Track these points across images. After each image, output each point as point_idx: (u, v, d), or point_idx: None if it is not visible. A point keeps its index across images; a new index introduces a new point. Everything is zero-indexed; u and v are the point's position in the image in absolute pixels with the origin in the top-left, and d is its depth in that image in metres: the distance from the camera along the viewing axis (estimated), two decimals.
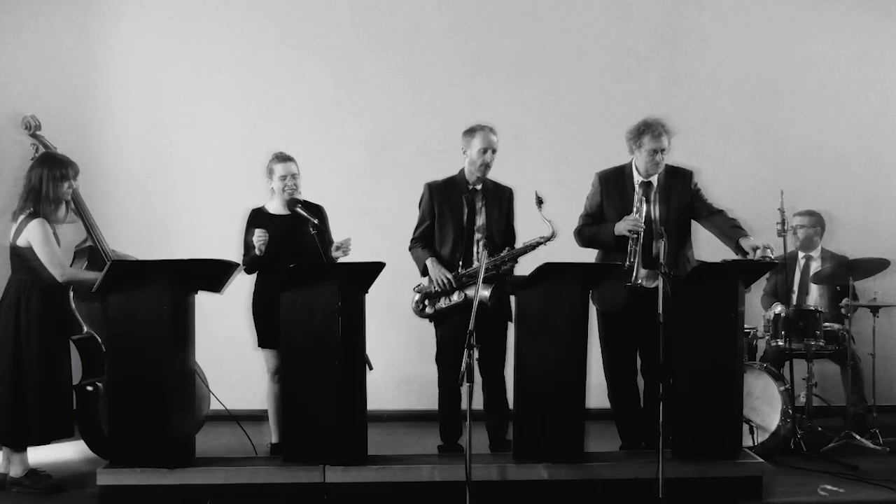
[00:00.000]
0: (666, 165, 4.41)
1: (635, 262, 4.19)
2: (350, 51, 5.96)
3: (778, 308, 5.05)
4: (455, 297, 4.35)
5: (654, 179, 4.37)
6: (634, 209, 4.29)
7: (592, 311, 4.26)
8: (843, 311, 5.03)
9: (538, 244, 4.32)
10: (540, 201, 4.21)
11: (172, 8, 5.94)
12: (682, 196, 4.41)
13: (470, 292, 4.26)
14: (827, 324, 5.01)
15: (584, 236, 4.49)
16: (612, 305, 4.35)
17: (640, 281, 4.20)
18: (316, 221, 4.30)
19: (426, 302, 4.44)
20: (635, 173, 4.39)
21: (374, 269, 3.97)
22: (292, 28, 5.96)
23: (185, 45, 5.93)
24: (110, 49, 5.92)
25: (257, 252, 4.33)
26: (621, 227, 4.26)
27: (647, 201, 4.32)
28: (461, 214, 4.43)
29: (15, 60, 5.83)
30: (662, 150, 4.31)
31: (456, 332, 4.24)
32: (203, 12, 5.95)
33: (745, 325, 4.49)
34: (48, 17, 5.87)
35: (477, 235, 4.41)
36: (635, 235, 4.21)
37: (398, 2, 5.99)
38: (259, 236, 4.31)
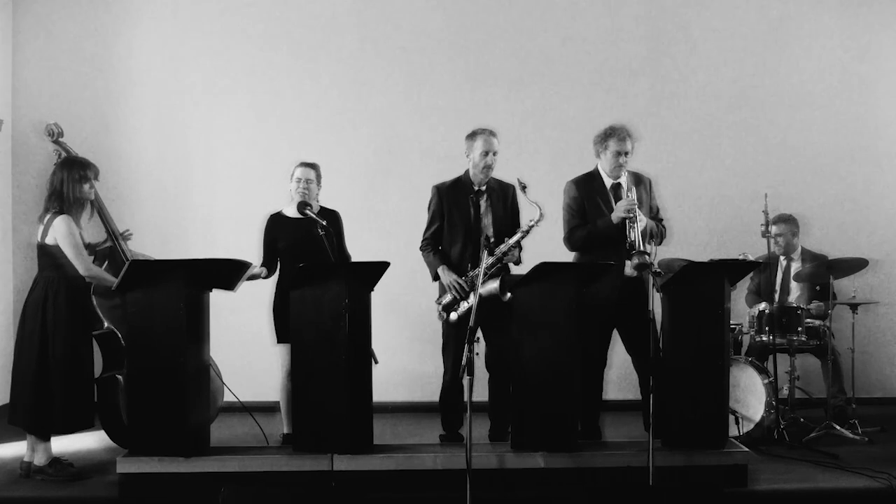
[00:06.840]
0: (628, 171, 4.58)
1: (635, 240, 4.29)
2: (357, 60, 6.11)
3: (762, 305, 5.17)
4: (472, 299, 4.34)
5: (623, 181, 4.54)
6: (625, 195, 4.43)
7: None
8: (812, 310, 5.19)
9: (530, 228, 4.42)
10: (524, 187, 4.36)
11: (188, 18, 6.08)
12: (647, 199, 4.59)
13: (482, 291, 4.26)
14: (808, 320, 5.14)
15: (579, 237, 4.54)
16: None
17: (645, 253, 4.29)
18: (324, 223, 4.43)
19: (448, 312, 4.52)
20: (604, 175, 4.57)
21: (380, 268, 4.08)
22: (302, 38, 6.10)
23: (200, 54, 6.08)
24: (127, 58, 6.07)
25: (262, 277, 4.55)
26: (618, 212, 4.37)
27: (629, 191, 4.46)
28: (468, 215, 4.54)
29: (35, 69, 5.96)
30: (626, 153, 4.50)
31: (459, 329, 4.36)
32: (217, 22, 6.10)
33: (731, 322, 4.62)
34: (66, 27, 6.01)
35: (485, 234, 4.49)
36: (632, 215, 4.32)
37: (404, 14, 6.13)
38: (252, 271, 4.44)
